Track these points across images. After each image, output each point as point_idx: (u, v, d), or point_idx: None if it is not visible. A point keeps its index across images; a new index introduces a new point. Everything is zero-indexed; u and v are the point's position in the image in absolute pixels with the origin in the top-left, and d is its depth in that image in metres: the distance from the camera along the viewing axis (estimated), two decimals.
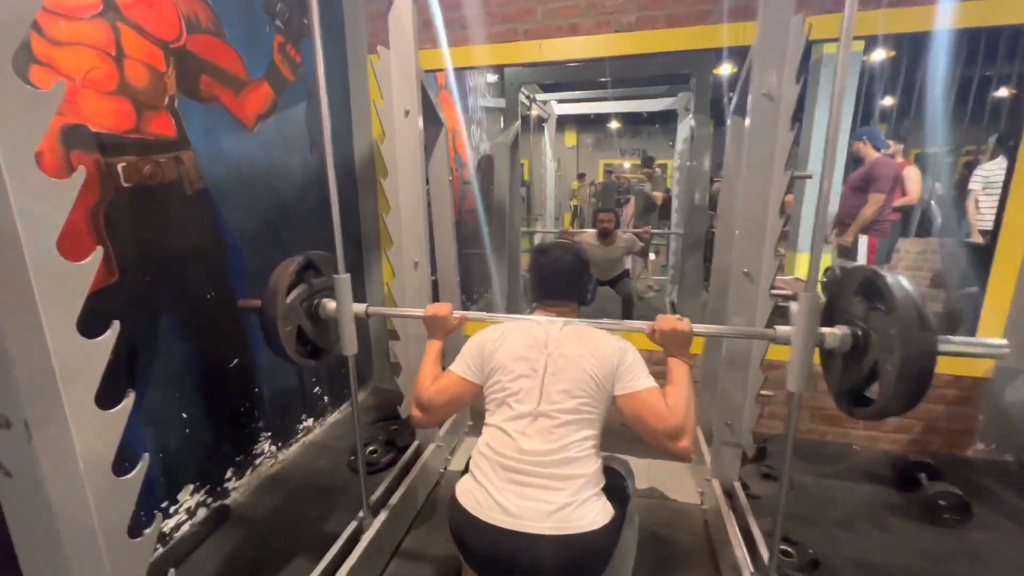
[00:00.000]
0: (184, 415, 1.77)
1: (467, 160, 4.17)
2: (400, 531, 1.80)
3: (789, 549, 1.64)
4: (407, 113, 1.77)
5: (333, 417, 2.65)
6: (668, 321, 1.22)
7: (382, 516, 1.67)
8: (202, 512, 1.85)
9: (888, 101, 4.79)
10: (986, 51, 4.28)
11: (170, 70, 1.65)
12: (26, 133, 0.71)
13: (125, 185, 1.52)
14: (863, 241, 3.46)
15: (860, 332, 1.09)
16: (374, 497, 1.73)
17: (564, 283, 1.32)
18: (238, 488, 2.02)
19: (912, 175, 3.61)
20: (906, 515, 1.89)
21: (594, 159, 9.89)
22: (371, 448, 2.28)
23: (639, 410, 1.12)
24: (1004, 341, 1.04)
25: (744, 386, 1.71)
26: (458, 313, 1.40)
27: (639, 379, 1.14)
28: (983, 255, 3.85)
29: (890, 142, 3.46)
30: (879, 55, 4.11)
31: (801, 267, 3.81)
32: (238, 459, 2.02)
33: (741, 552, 1.49)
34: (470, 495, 1.13)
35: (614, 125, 9.25)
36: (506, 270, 3.62)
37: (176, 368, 1.72)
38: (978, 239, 3.85)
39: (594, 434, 1.15)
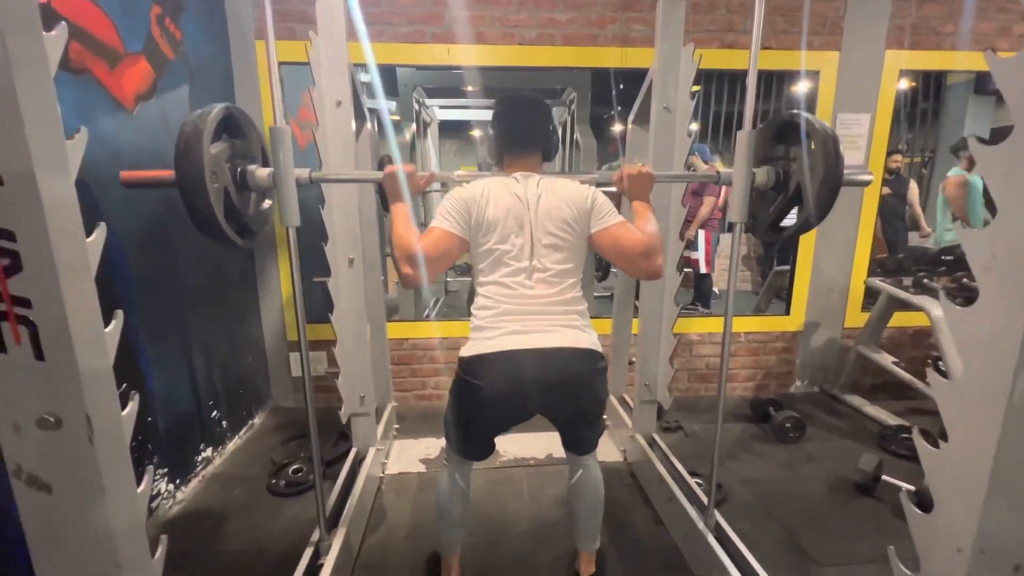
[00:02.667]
0: None
1: None
2: (355, 545, 1.70)
3: (700, 481, 2.00)
4: (339, 104, 1.70)
5: (233, 444, 2.32)
6: (635, 167, 1.34)
7: (339, 534, 1.56)
8: None
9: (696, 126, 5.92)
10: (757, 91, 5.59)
11: None
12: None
13: None
14: (701, 234, 4.26)
15: (780, 170, 1.38)
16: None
17: (534, 130, 1.34)
18: None
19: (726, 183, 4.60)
20: (765, 440, 2.44)
21: (456, 165, 10.13)
22: (295, 467, 2.08)
23: (616, 239, 1.25)
24: (871, 176, 1.43)
25: (658, 350, 2.03)
26: (424, 172, 1.34)
27: (610, 216, 1.27)
28: (770, 245, 5.14)
29: (715, 156, 4.34)
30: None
31: None
32: None
33: (674, 485, 1.79)
34: (480, 343, 1.22)
35: (476, 133, 9.59)
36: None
37: None
38: None
39: (580, 277, 1.32)
